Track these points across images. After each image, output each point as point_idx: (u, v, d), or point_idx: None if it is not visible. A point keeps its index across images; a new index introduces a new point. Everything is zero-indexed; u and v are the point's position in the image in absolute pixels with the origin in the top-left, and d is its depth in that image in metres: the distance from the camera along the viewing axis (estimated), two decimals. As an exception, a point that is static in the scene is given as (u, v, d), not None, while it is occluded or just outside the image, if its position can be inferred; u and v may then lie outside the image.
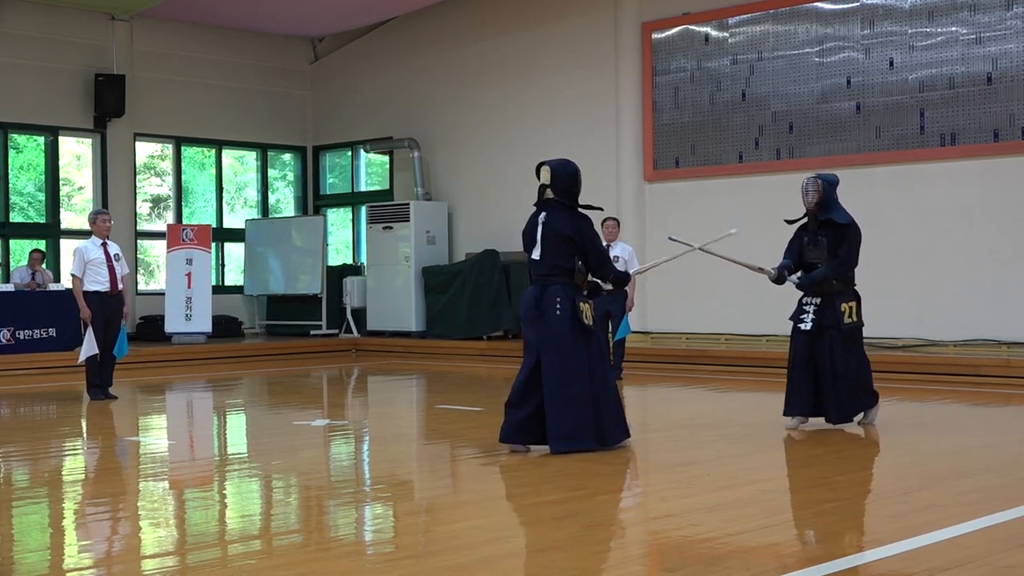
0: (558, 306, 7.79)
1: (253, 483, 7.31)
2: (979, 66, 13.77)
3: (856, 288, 9.20)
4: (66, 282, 17.60)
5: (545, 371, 7.76)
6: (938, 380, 12.58)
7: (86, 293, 11.56)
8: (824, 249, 8.98)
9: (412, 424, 10.78)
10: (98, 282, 11.62)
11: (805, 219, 9.19)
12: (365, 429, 10.20)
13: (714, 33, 16.01)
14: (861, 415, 9.06)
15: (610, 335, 13.12)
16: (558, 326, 7.77)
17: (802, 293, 9.15)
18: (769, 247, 15.33)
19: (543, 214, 7.93)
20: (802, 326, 8.96)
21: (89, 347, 11.48)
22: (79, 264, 11.66)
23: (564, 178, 7.96)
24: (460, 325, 17.69)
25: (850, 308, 8.98)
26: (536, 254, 7.89)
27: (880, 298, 14.51)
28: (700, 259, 15.96)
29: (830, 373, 8.85)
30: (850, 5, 14.79)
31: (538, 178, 8.01)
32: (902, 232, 14.36)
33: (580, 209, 8.00)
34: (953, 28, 13.98)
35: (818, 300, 8.96)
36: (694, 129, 16.17)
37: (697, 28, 16.18)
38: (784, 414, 9.04)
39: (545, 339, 7.78)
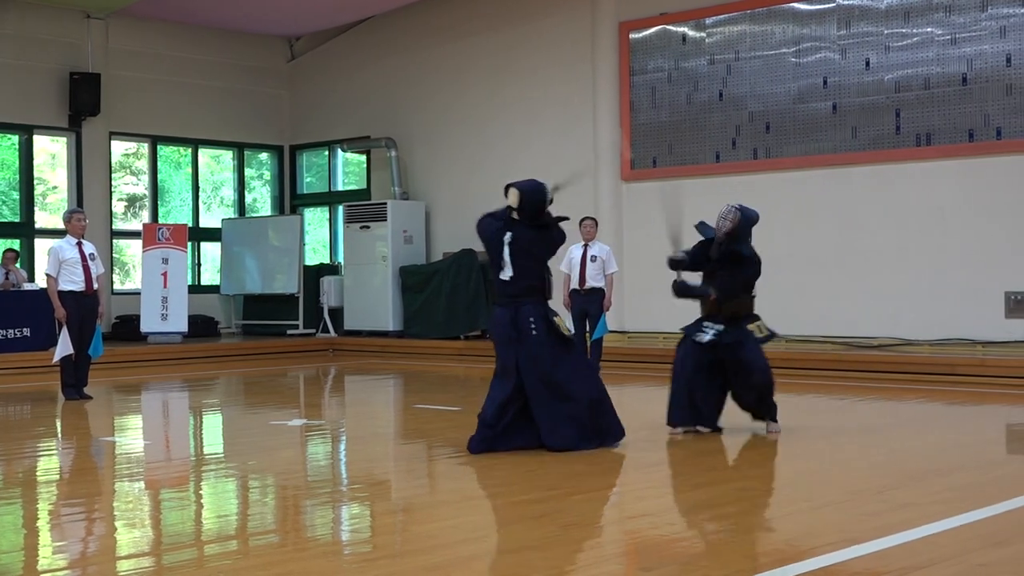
0: (533, 326, 7.86)
1: (229, 483, 7.29)
2: (954, 67, 13.84)
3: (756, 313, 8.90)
4: (41, 282, 17.51)
5: (532, 392, 7.82)
6: (913, 379, 12.65)
7: (61, 293, 11.49)
8: (717, 273, 8.79)
9: (389, 424, 10.76)
10: (73, 282, 11.55)
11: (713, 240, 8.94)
12: (342, 429, 10.18)
13: (691, 33, 16.05)
14: (770, 423, 8.83)
15: (587, 335, 13.13)
16: (538, 346, 7.85)
17: (702, 315, 8.90)
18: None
19: (508, 234, 7.93)
20: (697, 338, 8.73)
21: (64, 347, 11.42)
22: (54, 264, 11.59)
23: (533, 204, 7.97)
24: (437, 325, 17.68)
25: (759, 327, 8.77)
26: (507, 275, 7.92)
27: (856, 298, 14.60)
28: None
29: (731, 383, 8.70)
30: (826, 6, 14.85)
31: (506, 197, 8.01)
32: (877, 232, 14.42)
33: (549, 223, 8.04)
34: (928, 29, 14.05)
35: (721, 327, 8.73)
36: (671, 129, 16.20)
37: (674, 28, 16.21)
38: (670, 423, 8.81)
39: (526, 360, 7.82)
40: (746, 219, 8.88)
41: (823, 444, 8.42)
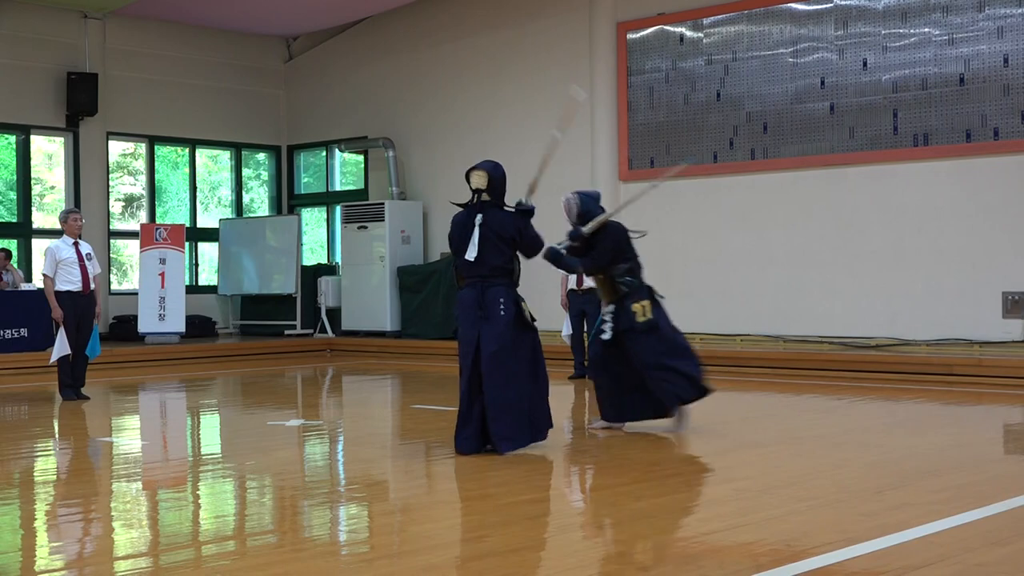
0: (502, 307, 7.82)
1: (227, 484, 7.29)
2: (951, 67, 13.85)
3: (648, 285, 8.96)
4: (39, 282, 17.50)
5: (487, 372, 7.78)
6: (910, 379, 12.65)
7: (58, 293, 11.49)
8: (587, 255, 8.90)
9: (387, 424, 10.75)
10: (70, 282, 11.54)
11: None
12: (340, 429, 10.18)
13: (689, 33, 16.05)
14: (674, 419, 8.90)
15: (585, 334, 13.13)
16: (503, 327, 7.80)
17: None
18: (745, 246, 15.41)
19: (479, 216, 7.92)
20: (603, 336, 8.82)
21: (61, 347, 11.41)
22: (51, 264, 11.58)
23: (497, 181, 8.04)
24: (435, 325, 17.67)
25: (643, 307, 8.75)
26: (471, 255, 7.87)
27: (853, 298, 14.61)
28: (676, 259, 16.06)
29: (638, 374, 8.75)
30: (824, 6, 14.85)
31: (468, 183, 8.06)
32: (875, 232, 14.43)
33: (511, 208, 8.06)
34: (926, 29, 14.06)
35: (612, 307, 8.85)
36: (669, 129, 16.21)
37: (672, 28, 16.22)
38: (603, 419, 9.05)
39: (488, 339, 7.78)
40: (584, 201, 8.97)
41: (820, 444, 8.42)
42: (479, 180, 8.02)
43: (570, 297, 13.22)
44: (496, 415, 7.77)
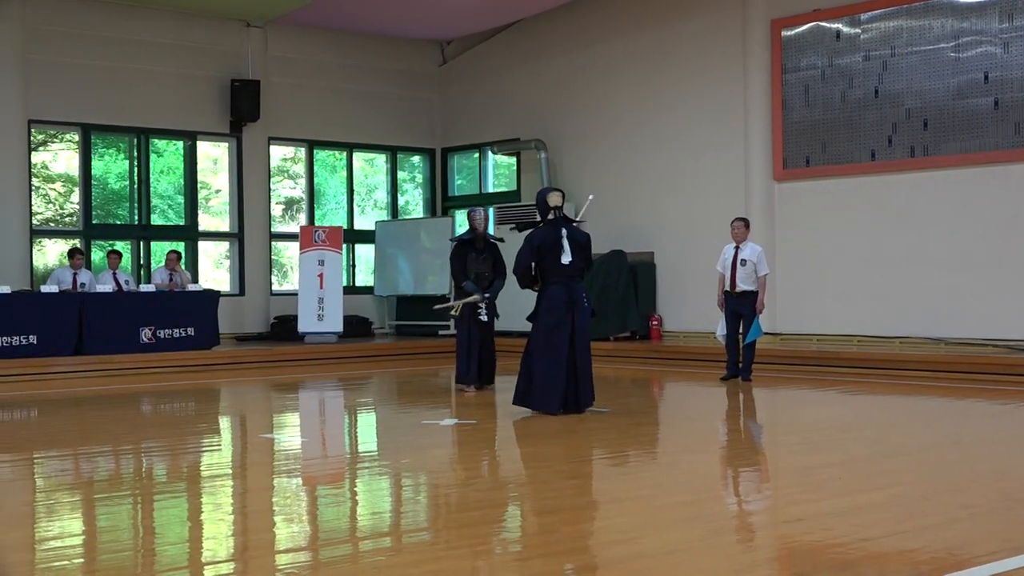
0: (586, 300, 10.08)
1: (383, 481, 7.42)
2: (1125, 59, 13.29)
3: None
4: (205, 282, 18.09)
5: (582, 350, 9.97)
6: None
7: None
8: (491, 262, 12.41)
9: (539, 424, 10.78)
10: None
11: (470, 238, 12.32)
12: (493, 429, 10.26)
13: (845, 29, 15.75)
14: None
15: (740, 336, 12.98)
16: (588, 315, 10.03)
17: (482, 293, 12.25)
18: (904, 246, 15.04)
19: (564, 229, 10.04)
20: (481, 317, 12.26)
21: None
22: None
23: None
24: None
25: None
26: (567, 260, 10.01)
27: (1017, 299, 14.11)
28: (833, 260, 15.75)
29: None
30: (988, -2, 14.41)
31: (547, 203, 10.12)
32: (1043, 231, 13.94)
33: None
34: (1097, 20, 13.52)
35: (487, 297, 12.23)
36: (825, 127, 15.92)
37: (828, 24, 15.93)
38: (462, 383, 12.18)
39: (581, 325, 9.99)
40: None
41: (982, 450, 8.18)
42: (558, 199, 10.17)
43: (725, 298, 13.07)
44: (588, 383, 10.06)
